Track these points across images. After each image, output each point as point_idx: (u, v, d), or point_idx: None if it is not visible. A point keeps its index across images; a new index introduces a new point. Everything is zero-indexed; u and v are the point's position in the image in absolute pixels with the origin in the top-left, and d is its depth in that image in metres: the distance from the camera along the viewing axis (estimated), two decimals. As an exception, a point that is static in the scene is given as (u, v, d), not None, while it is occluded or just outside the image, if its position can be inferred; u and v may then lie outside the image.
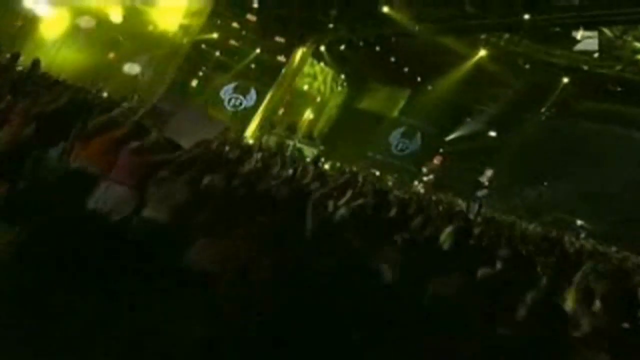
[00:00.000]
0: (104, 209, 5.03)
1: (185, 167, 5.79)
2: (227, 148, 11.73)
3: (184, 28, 26.92)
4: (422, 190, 22.15)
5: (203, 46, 32.05)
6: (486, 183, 17.38)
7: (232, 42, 31.92)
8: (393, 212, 8.42)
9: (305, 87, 33.53)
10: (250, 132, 29.73)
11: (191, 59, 32.09)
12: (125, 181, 5.69)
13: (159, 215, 5.23)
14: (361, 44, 28.73)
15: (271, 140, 27.40)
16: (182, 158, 5.88)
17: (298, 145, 28.19)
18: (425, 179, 19.31)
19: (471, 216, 15.87)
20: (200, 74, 34.20)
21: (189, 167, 5.82)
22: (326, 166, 24.14)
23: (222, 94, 34.73)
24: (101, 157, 5.88)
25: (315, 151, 28.39)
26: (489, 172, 17.70)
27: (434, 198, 17.30)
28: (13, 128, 6.25)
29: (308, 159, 21.93)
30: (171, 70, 28.22)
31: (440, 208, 14.04)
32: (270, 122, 30.55)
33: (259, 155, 10.00)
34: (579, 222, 28.42)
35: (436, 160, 19.84)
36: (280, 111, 32.20)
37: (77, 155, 6.09)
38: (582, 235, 24.23)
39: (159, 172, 5.63)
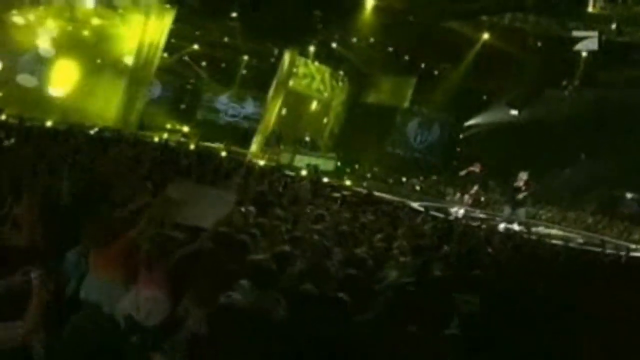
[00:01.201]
0: (138, 317, 5.00)
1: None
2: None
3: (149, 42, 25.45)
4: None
5: (186, 58, 30.83)
6: (523, 187, 15.90)
7: (217, 51, 30.87)
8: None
9: (305, 89, 31.89)
10: (256, 147, 28.80)
11: (177, 73, 31.24)
12: (155, 284, 5.32)
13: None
14: (354, 39, 27.93)
15: (283, 158, 26.55)
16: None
17: (313, 161, 26.47)
18: (466, 197, 17.68)
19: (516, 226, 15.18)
20: (189, 87, 33.19)
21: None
22: (347, 182, 22.60)
23: (217, 105, 33.53)
24: (123, 263, 5.50)
25: (330, 164, 27.21)
26: (524, 176, 16.13)
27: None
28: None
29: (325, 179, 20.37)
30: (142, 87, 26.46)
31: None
32: (277, 135, 29.20)
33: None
34: (629, 195, 27.71)
35: (475, 168, 18.09)
36: (283, 119, 30.58)
37: (95, 265, 5.57)
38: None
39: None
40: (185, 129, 30.91)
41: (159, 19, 25.09)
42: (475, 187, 18.84)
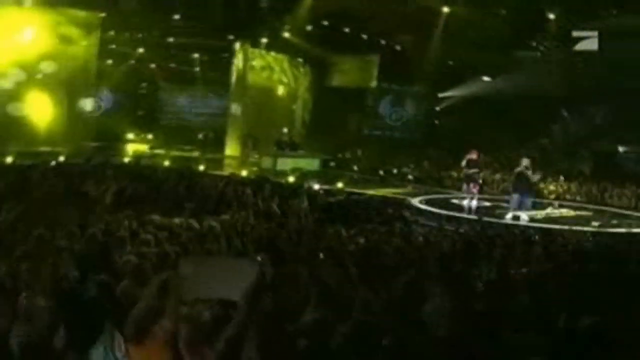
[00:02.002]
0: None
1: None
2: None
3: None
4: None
5: (133, 62, 29.31)
6: (529, 171, 15.07)
7: (165, 52, 29.63)
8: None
9: (266, 82, 30.38)
10: (230, 149, 28.07)
11: (127, 80, 29.60)
12: None
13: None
14: (309, 27, 27.19)
15: (264, 163, 25.30)
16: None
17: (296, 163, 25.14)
18: (472, 186, 16.86)
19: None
20: (143, 92, 31.81)
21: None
22: (339, 184, 21.11)
23: (179, 107, 32.34)
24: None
25: (315, 163, 25.81)
26: (525, 161, 15.30)
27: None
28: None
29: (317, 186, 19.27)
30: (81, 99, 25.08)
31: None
32: (253, 138, 27.82)
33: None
34: (621, 149, 27.60)
35: (473, 155, 17.17)
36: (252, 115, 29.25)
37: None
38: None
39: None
40: (150, 136, 29.71)
41: (86, 26, 23.86)
42: (476, 170, 17.89)
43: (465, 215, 16.00)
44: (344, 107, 30.16)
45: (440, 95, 31.52)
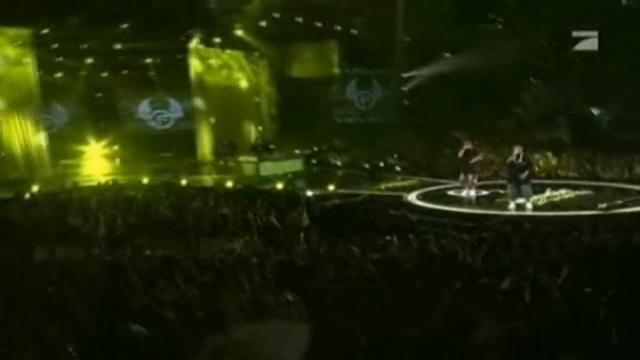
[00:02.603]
0: None
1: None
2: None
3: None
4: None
5: (82, 73, 28.16)
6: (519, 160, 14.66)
7: (114, 59, 28.58)
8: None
9: (226, 81, 29.75)
10: (204, 155, 27.50)
11: (80, 91, 28.51)
12: None
13: None
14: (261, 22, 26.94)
15: (246, 169, 24.38)
16: None
17: (281, 168, 24.33)
18: (470, 177, 16.31)
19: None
20: (100, 102, 30.46)
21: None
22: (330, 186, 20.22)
23: (142, 114, 31.04)
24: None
25: (298, 164, 25.06)
26: (516, 149, 14.92)
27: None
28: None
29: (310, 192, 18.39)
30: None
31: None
32: (228, 142, 27.02)
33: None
34: (595, 112, 27.49)
35: (469, 145, 16.70)
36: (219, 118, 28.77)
37: None
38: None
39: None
40: (116, 147, 28.46)
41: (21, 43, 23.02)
42: (479, 158, 17.48)
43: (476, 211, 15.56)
44: (311, 97, 29.72)
45: (405, 75, 31.19)
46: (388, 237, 11.09)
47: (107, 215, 13.39)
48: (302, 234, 12.33)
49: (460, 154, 16.91)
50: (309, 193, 17.57)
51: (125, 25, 24.85)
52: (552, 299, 5.83)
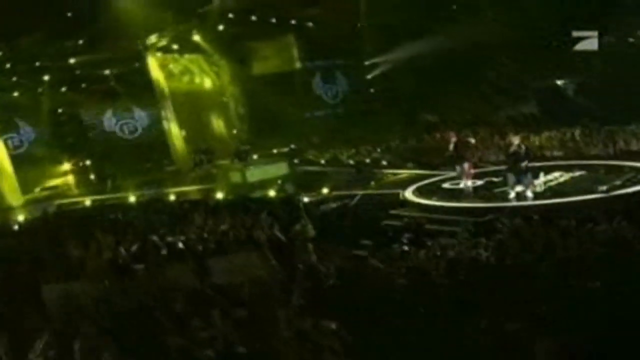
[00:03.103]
0: None
1: None
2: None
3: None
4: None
5: (40, 90, 27.96)
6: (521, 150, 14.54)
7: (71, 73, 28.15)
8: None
9: (190, 86, 30.00)
10: (181, 163, 27.45)
11: (42, 108, 28.29)
12: None
13: None
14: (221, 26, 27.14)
15: (232, 177, 23.97)
16: None
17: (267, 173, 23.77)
18: (466, 166, 16.09)
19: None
20: (63, 118, 29.86)
21: None
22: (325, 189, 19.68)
23: (107, 126, 30.53)
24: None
25: (283, 167, 24.42)
26: (516, 140, 14.80)
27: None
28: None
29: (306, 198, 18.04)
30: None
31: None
32: (205, 148, 27.18)
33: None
34: (559, 82, 27.97)
35: (453, 137, 16.58)
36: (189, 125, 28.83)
37: None
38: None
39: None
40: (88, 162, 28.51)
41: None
42: (471, 138, 17.50)
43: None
44: (276, 94, 29.27)
45: (367, 62, 31.52)
46: (405, 246, 10.96)
47: (108, 242, 12.98)
48: (310, 245, 12.12)
49: (451, 147, 16.76)
50: (306, 199, 17.33)
51: (80, 41, 25.08)
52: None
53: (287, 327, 6.45)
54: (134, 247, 12.50)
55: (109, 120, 30.52)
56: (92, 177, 27.84)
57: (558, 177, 16.62)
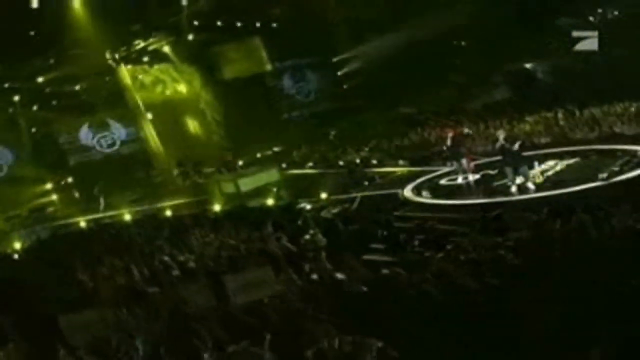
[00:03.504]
0: None
1: None
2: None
3: None
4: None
5: (11, 110, 27.81)
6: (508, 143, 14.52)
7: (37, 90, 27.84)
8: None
9: (163, 97, 29.75)
10: (166, 175, 27.32)
11: (12, 128, 28.09)
12: None
13: None
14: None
15: (225, 187, 23.32)
16: None
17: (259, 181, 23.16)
18: (464, 162, 15.84)
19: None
20: (38, 137, 29.38)
21: None
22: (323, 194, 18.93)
23: (84, 141, 29.86)
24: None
25: (274, 173, 23.82)
26: (502, 134, 14.92)
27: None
28: None
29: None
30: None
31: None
32: (189, 162, 26.84)
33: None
34: (528, 65, 28.28)
35: (451, 132, 16.57)
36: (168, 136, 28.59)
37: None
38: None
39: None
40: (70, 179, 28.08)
41: None
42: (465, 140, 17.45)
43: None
44: (250, 97, 29.42)
45: (335, 59, 31.64)
46: (421, 250, 10.85)
47: (117, 265, 12.78)
48: (323, 254, 12.01)
49: (448, 142, 16.74)
50: (308, 207, 17.16)
51: (48, 59, 25.21)
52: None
53: (328, 347, 6.36)
54: (145, 270, 12.31)
55: (85, 135, 29.97)
56: (76, 195, 27.17)
57: (553, 165, 16.66)
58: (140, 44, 27.01)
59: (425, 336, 5.80)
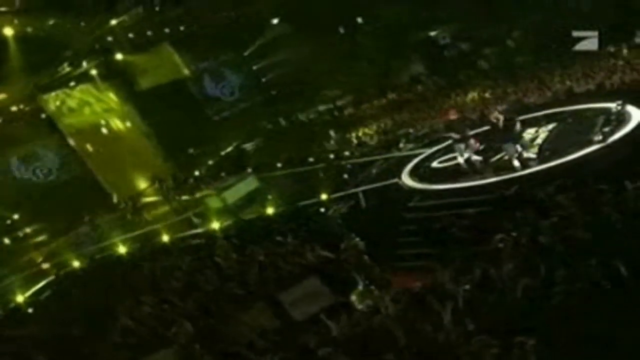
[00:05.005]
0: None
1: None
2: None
3: None
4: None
5: None
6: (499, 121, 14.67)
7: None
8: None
9: (92, 118, 29.73)
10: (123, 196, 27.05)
11: None
12: None
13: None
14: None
15: (211, 202, 22.33)
16: None
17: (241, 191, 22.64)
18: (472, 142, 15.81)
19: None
20: None
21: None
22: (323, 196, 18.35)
23: (18, 173, 29.52)
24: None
25: (253, 181, 23.19)
26: (498, 115, 14.96)
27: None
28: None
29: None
30: None
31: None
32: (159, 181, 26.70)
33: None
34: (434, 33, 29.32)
35: (452, 116, 16.61)
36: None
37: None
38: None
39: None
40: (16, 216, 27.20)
41: None
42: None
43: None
44: (173, 104, 29.47)
45: (246, 53, 32.10)
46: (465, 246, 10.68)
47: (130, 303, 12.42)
48: (365, 258, 12.09)
49: (454, 125, 16.71)
50: (311, 209, 16.80)
51: None
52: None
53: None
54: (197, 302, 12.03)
55: (17, 167, 29.39)
56: (19, 234, 26.29)
57: (535, 133, 16.87)
58: (58, 68, 26.63)
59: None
